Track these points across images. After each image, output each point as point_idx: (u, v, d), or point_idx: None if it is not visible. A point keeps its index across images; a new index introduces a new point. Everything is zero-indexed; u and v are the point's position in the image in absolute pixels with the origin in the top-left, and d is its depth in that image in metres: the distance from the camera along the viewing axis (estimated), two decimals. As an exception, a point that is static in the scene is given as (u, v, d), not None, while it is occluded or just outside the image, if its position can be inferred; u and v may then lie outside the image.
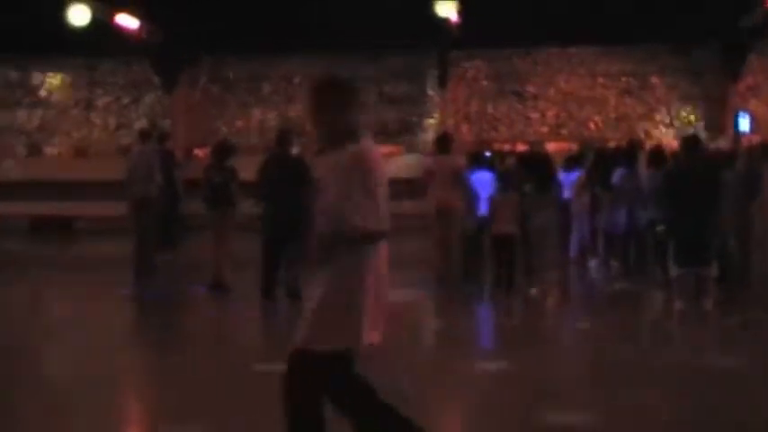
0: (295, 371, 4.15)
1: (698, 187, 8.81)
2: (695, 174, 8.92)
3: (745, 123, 25.43)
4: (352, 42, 23.97)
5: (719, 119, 25.35)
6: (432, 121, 26.36)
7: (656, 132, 25.38)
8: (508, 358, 7.44)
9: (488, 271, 11.20)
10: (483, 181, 11.20)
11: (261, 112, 27.13)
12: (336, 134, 4.33)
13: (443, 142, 11.57)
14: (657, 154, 11.49)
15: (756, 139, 23.75)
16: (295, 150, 11.40)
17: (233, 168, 11.16)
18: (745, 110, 25.51)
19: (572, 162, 13.40)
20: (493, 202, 10.75)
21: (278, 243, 9.96)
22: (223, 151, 11.41)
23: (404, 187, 19.65)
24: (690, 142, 9.37)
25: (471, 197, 10.87)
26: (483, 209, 10.93)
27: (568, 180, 12.65)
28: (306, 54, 25.84)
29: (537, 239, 11.21)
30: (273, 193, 9.95)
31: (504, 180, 10.99)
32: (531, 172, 11.44)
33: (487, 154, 17.14)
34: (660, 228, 9.36)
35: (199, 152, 24.90)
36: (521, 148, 24.68)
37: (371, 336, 4.15)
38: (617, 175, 11.73)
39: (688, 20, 22.54)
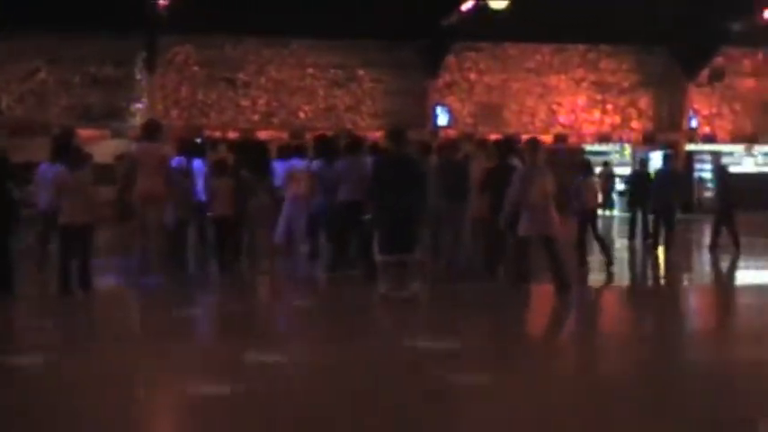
0: None
1: (402, 178, 9.18)
2: (400, 165, 9.29)
3: (443, 118, 27.15)
4: (56, 20, 22.61)
5: (420, 113, 26.82)
6: (140, 105, 25.55)
7: (362, 123, 26.35)
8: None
9: (210, 256, 11.19)
10: (198, 168, 11.11)
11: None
12: None
13: (150, 129, 11.26)
14: (353, 143, 11.84)
15: (453, 132, 25.44)
16: None
17: None
18: (443, 105, 27.23)
19: (289, 151, 13.56)
20: (209, 187, 10.71)
21: None
22: None
23: (109, 173, 18.97)
24: (395, 134, 9.75)
25: (178, 185, 10.73)
26: (199, 195, 10.88)
27: (283, 168, 12.79)
28: (6, 32, 24.04)
29: (253, 223, 11.25)
30: None
31: (220, 166, 10.96)
32: (246, 158, 11.47)
33: (199, 141, 16.94)
34: (367, 217, 9.61)
35: None
36: (232, 135, 24.65)
37: None
38: (315, 164, 12.06)
39: (392, 18, 23.62)
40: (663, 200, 14.99)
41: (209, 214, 11.44)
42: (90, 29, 23.90)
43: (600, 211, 13.92)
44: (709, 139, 28.42)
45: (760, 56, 28.63)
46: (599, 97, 28.21)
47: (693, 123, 28.43)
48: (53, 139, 11.73)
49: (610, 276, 11.90)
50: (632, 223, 17.04)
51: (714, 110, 28.70)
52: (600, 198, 14.27)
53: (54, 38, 24.50)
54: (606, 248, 12.58)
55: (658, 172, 16.32)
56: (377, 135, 22.07)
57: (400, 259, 9.18)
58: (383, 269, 9.34)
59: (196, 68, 26.15)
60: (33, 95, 25.16)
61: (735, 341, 8.00)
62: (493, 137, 18.09)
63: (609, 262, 12.33)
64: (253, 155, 11.67)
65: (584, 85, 28.13)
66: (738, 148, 28.29)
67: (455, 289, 10.06)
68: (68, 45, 24.86)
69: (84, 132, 22.84)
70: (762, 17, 24.82)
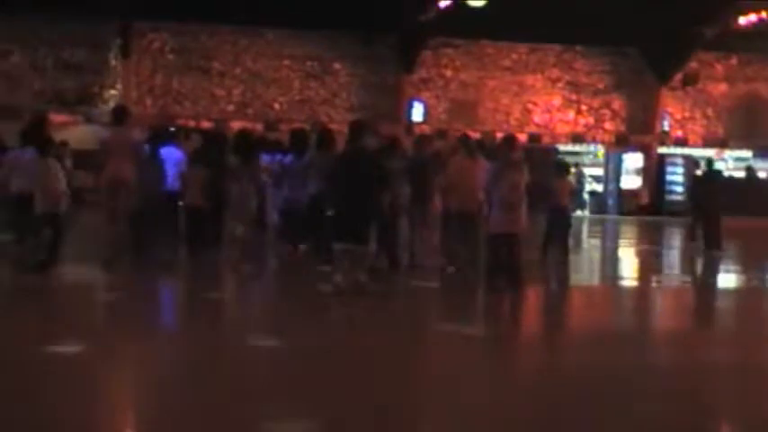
0: None
1: (361, 172, 9.16)
2: (358, 159, 9.31)
3: (417, 113, 27.17)
4: (29, 3, 22.35)
5: (395, 107, 26.82)
6: (113, 92, 25.34)
7: (337, 116, 26.28)
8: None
9: (178, 243, 11.16)
10: (170, 155, 11.08)
11: None
12: None
13: (119, 114, 11.35)
14: (324, 137, 11.84)
15: (426, 128, 25.47)
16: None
17: None
18: (419, 100, 27.25)
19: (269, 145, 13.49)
20: (183, 175, 10.73)
21: None
22: None
23: (82, 159, 18.81)
24: (356, 128, 9.74)
25: (147, 171, 10.69)
26: (171, 183, 10.86)
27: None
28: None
29: (233, 212, 11.22)
30: None
31: (193, 155, 10.96)
32: (236, 147, 11.42)
33: (172, 129, 16.81)
34: (329, 210, 9.67)
35: None
36: (206, 124, 24.51)
37: None
38: (287, 158, 12.04)
39: (370, 11, 23.58)
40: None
41: (180, 203, 11.39)
42: (64, 12, 23.65)
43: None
44: (681, 142, 28.69)
45: (733, 61, 28.92)
46: (574, 98, 28.38)
47: (666, 126, 28.69)
48: (26, 124, 11.69)
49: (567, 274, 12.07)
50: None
51: (687, 113, 28.97)
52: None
53: (28, 21, 24.21)
54: (566, 249, 12.72)
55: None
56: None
57: (351, 250, 9.22)
58: (338, 258, 9.36)
59: (171, 56, 25.98)
60: (5, 79, 24.86)
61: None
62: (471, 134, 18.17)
63: (563, 261, 12.47)
64: (241, 144, 11.50)
65: (560, 85, 28.28)
66: (710, 153, 28.60)
67: (417, 285, 10.13)
68: (42, 28, 24.58)
69: (56, 117, 22.65)
70: (736, 23, 25.07)
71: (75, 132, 22.63)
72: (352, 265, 9.19)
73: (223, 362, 6.41)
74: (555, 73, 28.21)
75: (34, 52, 24.96)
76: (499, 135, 22.01)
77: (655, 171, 27.89)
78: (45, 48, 24.95)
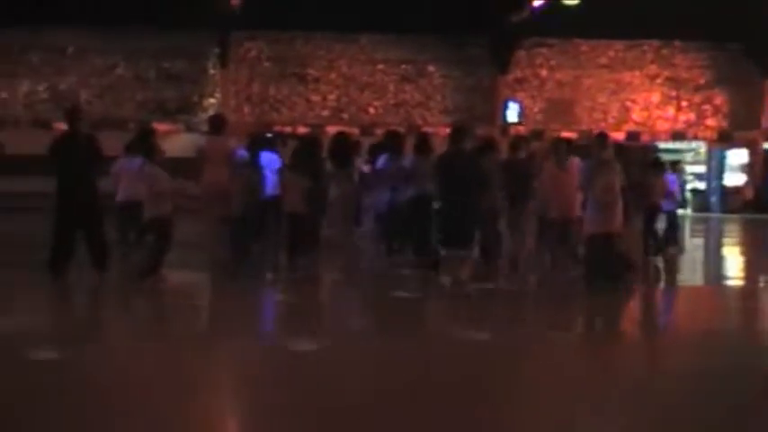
0: None
1: (461, 175, 9.22)
2: (459, 162, 9.35)
3: (513, 114, 26.97)
4: (129, 15, 23.14)
5: (490, 109, 26.69)
6: (212, 100, 25.97)
7: (432, 119, 26.32)
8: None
9: (278, 250, 11.34)
10: (270, 162, 11.23)
11: (29, 84, 25.64)
12: None
13: (216, 123, 11.59)
14: (422, 141, 11.84)
15: (522, 129, 25.26)
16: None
17: None
18: (514, 101, 27.05)
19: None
20: (282, 182, 10.87)
21: (72, 219, 9.59)
22: None
23: (182, 167, 19.30)
24: (457, 131, 9.76)
25: (243, 178, 10.87)
26: (270, 189, 11.02)
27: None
28: (80, 25, 24.69)
29: (333, 215, 11.34)
30: (66, 170, 9.58)
31: (292, 161, 11.11)
32: (333, 151, 11.55)
33: (269, 135, 17.09)
34: (438, 204, 9.84)
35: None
36: (302, 130, 24.89)
37: None
38: (381, 160, 12.07)
39: (462, 13, 23.55)
40: None
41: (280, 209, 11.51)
42: (165, 24, 24.38)
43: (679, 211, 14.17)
44: (790, 137, 27.72)
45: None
46: (673, 94, 27.72)
47: (772, 121, 27.75)
48: (135, 135, 12.12)
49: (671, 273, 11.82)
50: None
51: (795, 107, 27.96)
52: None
53: (131, 33, 25.04)
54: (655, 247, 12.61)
55: None
56: (447, 131, 22.04)
57: (457, 253, 9.23)
58: (444, 261, 9.41)
59: (267, 64, 26.46)
60: (111, 90, 25.76)
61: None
62: (565, 134, 17.98)
63: (645, 257, 12.33)
64: (338, 148, 11.59)
65: (658, 81, 27.67)
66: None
67: (515, 287, 10.10)
68: (144, 40, 25.37)
69: (158, 127, 23.33)
70: None
71: (176, 141, 23.23)
72: (453, 267, 9.24)
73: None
74: (653, 69, 27.60)
75: (137, 64, 25.78)
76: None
77: (761, 167, 27.02)
78: (147, 59, 25.75)
